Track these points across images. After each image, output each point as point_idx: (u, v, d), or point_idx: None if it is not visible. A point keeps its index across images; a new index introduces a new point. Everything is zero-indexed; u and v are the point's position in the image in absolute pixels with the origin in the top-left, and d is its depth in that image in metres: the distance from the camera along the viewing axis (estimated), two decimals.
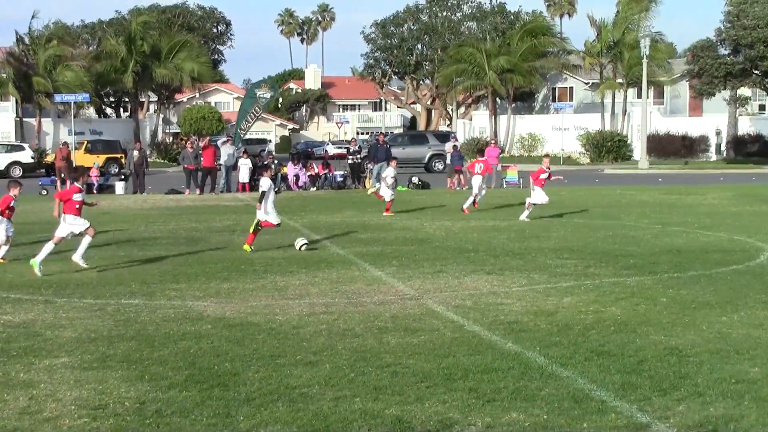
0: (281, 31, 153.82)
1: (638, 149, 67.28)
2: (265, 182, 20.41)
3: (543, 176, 26.59)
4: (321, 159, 57.62)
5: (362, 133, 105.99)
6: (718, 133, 74.57)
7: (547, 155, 29.02)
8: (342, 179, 44.23)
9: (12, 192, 18.45)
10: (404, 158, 50.12)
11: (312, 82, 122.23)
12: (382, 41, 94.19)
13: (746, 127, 75.43)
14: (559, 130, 76.00)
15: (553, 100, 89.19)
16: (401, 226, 24.89)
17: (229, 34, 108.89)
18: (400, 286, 15.24)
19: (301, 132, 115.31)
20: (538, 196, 26.32)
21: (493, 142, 50.39)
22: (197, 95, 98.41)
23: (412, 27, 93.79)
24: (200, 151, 40.27)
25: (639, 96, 72.17)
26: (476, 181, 30.11)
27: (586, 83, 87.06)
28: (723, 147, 74.05)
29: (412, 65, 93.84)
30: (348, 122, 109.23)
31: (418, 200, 34.87)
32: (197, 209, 28.04)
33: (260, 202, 20.13)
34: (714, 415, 8.15)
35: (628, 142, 73.35)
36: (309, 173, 44.41)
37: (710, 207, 30.29)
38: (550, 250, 19.45)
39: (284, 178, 43.69)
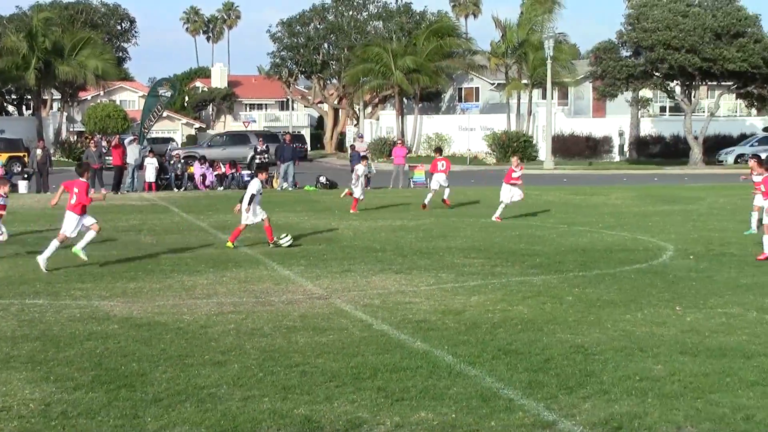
0: (187, 29, 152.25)
1: (543, 150, 68.13)
2: (254, 184, 20.51)
3: (515, 175, 26.74)
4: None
5: (268, 133, 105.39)
6: (621, 134, 75.92)
7: (515, 153, 29.07)
8: (249, 179, 43.88)
9: (1, 190, 18.27)
10: (225, 158, 50.27)
11: (218, 80, 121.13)
12: (288, 40, 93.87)
13: (648, 128, 76.91)
14: (465, 130, 76.57)
15: (460, 101, 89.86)
16: (309, 225, 24.81)
17: (133, 32, 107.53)
18: (309, 286, 15.19)
19: (207, 131, 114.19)
20: (507, 194, 26.44)
21: (399, 141, 50.48)
22: (102, 93, 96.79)
23: (318, 26, 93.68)
24: (103, 150, 39.69)
25: (544, 97, 73.10)
26: (440, 178, 30.55)
27: (492, 84, 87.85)
28: (626, 148, 75.41)
29: (318, 64, 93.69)
30: (255, 121, 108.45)
31: (326, 200, 34.79)
32: (103, 209, 27.56)
33: (249, 204, 20.09)
34: (619, 413, 8.26)
35: (534, 142, 74.22)
36: (216, 173, 44.05)
37: (614, 207, 30.79)
38: (458, 250, 19.57)
39: (191, 177, 43.29)
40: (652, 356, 10.23)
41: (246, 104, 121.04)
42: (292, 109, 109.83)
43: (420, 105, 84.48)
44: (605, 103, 79.80)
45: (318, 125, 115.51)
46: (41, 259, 16.57)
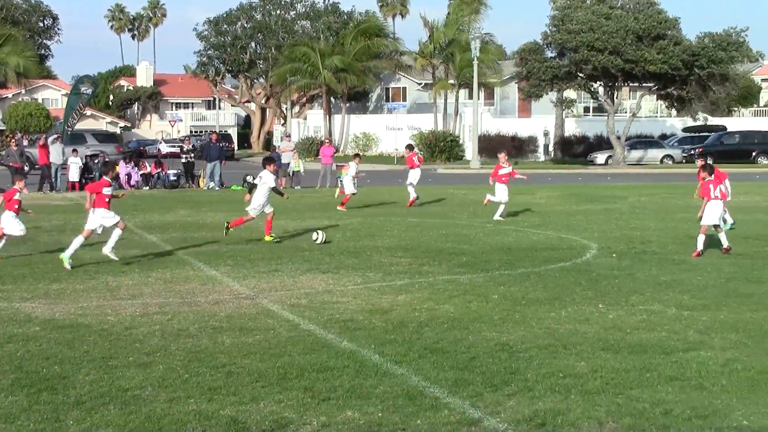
0: (112, 26, 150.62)
1: (470, 149, 68.58)
2: (270, 177, 20.94)
3: (502, 172, 26.49)
4: (154, 157, 56.67)
5: (196, 132, 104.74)
6: (546, 134, 76.74)
7: (501, 151, 29.06)
8: (175, 178, 43.63)
9: (17, 185, 18.56)
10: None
11: (144, 79, 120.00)
12: (215, 39, 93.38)
13: (572, 128, 77.84)
14: (393, 130, 76.81)
15: (387, 100, 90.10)
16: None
17: (56, 29, 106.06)
18: (236, 286, 15.13)
19: (132, 130, 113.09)
20: (500, 193, 26.33)
21: (327, 141, 50.47)
22: (23, 91, 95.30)
23: (245, 25, 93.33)
24: (24, 149, 39.12)
25: (470, 97, 73.59)
26: (415, 174, 31.05)
27: (419, 83, 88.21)
28: (551, 147, 76.24)
29: (245, 64, 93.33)
30: (181, 120, 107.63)
31: None
32: (24, 208, 27.14)
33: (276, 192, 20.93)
34: (542, 409, 8.37)
35: (461, 142, 74.72)
36: (141, 172, 43.64)
37: (539, 206, 31.11)
38: (385, 249, 19.63)
39: (116, 177, 42.79)
40: (576, 353, 10.37)
41: (172, 103, 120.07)
42: (219, 108, 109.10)
43: (347, 104, 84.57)
44: (530, 103, 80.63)
45: (245, 124, 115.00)
46: (65, 256, 16.80)
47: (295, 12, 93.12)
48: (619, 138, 65.80)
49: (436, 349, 10.56)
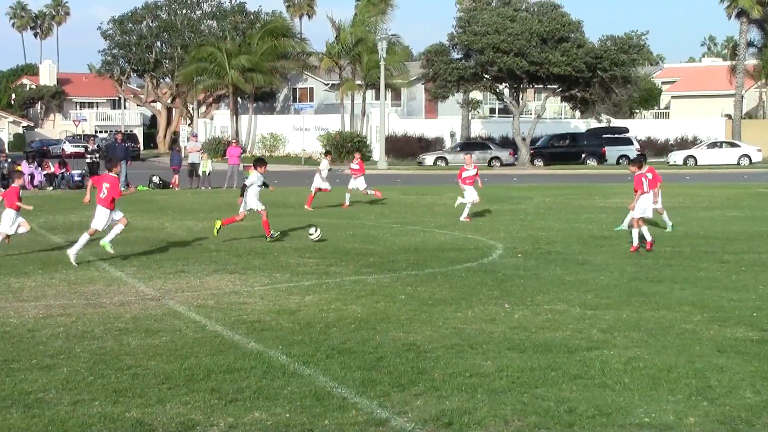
0: (13, 24, 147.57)
1: (377, 150, 68.75)
2: (258, 177, 21.13)
3: (466, 174, 26.75)
4: (58, 157, 55.74)
5: (101, 132, 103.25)
6: (452, 135, 77.30)
7: (468, 154, 29.35)
8: (80, 178, 42.96)
9: (17, 182, 18.89)
10: None
11: (47, 78, 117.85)
12: (120, 38, 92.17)
13: (478, 129, 78.53)
14: (300, 131, 76.69)
15: (294, 101, 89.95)
16: (142, 225, 24.41)
17: None
18: (141, 287, 14.96)
19: (36, 129, 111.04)
20: (469, 194, 26.57)
21: (234, 141, 50.20)
22: None
23: (151, 24, 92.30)
24: None
25: (377, 98, 73.76)
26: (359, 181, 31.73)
27: (326, 84, 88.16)
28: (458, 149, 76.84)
29: (151, 63, 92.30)
30: (86, 120, 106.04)
31: (159, 200, 34.31)
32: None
33: (241, 195, 20.96)
34: (449, 409, 8.43)
35: (368, 142, 74.84)
36: (45, 172, 42.87)
37: (446, 207, 31.27)
38: (293, 250, 19.59)
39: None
40: (482, 353, 10.47)
41: (76, 103, 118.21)
42: (125, 107, 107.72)
43: (254, 105, 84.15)
44: (437, 104, 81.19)
45: (151, 124, 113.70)
46: (71, 253, 17.12)
47: (201, 11, 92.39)
48: (524, 139, 66.58)
49: (343, 350, 10.57)
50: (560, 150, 69.01)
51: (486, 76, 64.77)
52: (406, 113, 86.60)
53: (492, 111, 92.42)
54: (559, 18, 63.05)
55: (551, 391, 8.94)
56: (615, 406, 8.49)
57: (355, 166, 32.88)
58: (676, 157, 70.44)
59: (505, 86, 67.65)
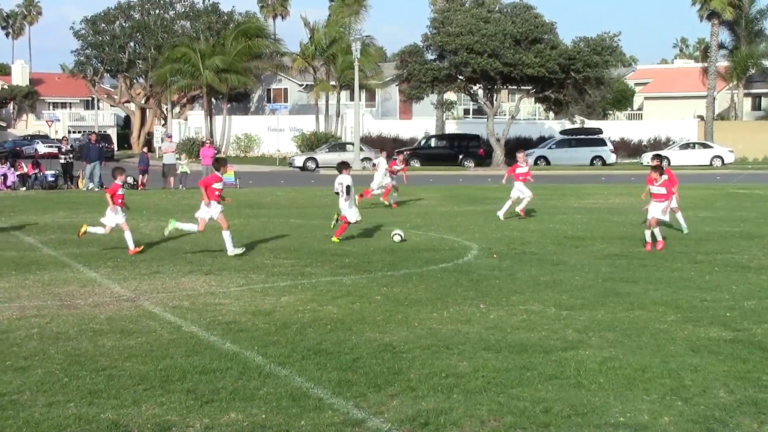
0: None
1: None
2: (347, 178, 21.21)
3: (519, 171, 26.91)
4: (31, 158, 55.42)
5: (74, 132, 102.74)
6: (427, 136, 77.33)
7: (520, 151, 29.52)
8: (53, 179, 42.74)
9: (119, 179, 19.43)
10: None
11: (19, 78, 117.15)
12: (92, 38, 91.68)
13: (453, 130, 78.64)
14: (274, 131, 76.57)
15: (269, 101, 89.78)
16: (116, 226, 24.28)
17: None
18: (116, 288, 14.90)
19: (8, 130, 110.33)
20: (515, 191, 26.83)
21: (208, 142, 50.07)
22: None
23: (123, 24, 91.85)
24: None
25: (352, 98, 73.76)
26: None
27: (301, 85, 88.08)
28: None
29: (124, 63, 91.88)
30: (59, 120, 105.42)
31: (133, 200, 34.12)
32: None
33: (347, 194, 21.07)
34: (426, 409, 8.44)
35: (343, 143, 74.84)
36: (18, 173, 42.61)
37: (421, 207, 31.36)
38: (268, 250, 19.56)
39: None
40: (458, 353, 10.49)
41: (49, 103, 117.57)
42: (98, 108, 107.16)
43: (229, 105, 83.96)
44: (411, 105, 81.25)
45: (125, 125, 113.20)
46: (232, 251, 18.42)
47: (174, 12, 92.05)
48: (498, 140, 66.73)
49: (319, 350, 10.57)
50: (437, 151, 68.52)
51: (460, 77, 64.87)
52: (380, 114, 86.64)
53: (466, 112, 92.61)
54: (532, 19, 63.23)
55: (527, 392, 8.97)
56: (590, 406, 8.53)
57: (398, 167, 32.85)
58: (649, 158, 70.73)
59: (479, 87, 67.77)
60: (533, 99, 72.20)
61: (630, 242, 21.03)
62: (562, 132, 75.20)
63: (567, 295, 14.16)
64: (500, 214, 26.54)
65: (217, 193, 18.92)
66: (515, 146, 71.64)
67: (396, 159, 33.83)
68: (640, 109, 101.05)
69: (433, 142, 70.71)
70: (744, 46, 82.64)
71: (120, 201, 19.45)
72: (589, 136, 72.35)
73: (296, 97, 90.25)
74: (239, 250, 18.63)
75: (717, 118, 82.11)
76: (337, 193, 21.44)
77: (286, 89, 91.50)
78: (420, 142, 71.46)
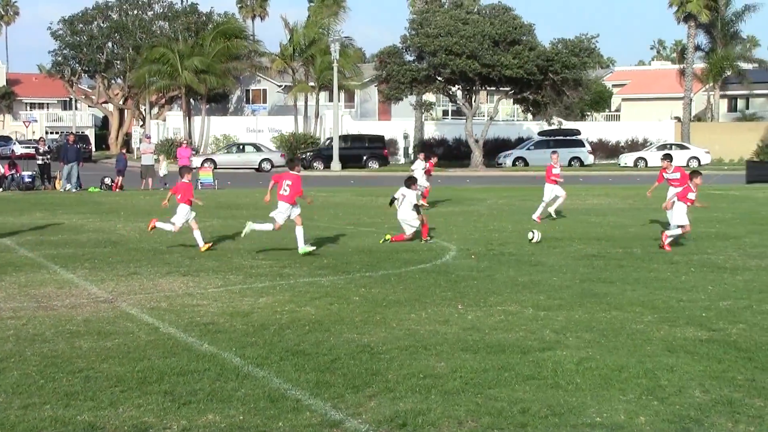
0: None
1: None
2: (412, 194, 21.83)
3: (555, 171, 27.32)
4: (8, 159, 55.14)
5: (52, 133, 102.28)
6: (405, 137, 77.42)
7: (554, 151, 29.91)
8: (30, 180, 42.54)
9: (186, 178, 20.05)
10: None
11: None
12: (70, 38, 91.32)
13: (432, 131, 78.75)
14: (253, 132, 76.47)
15: (247, 102, 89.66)
16: (94, 227, 24.24)
17: None
18: (93, 289, 14.84)
19: None
20: (548, 192, 27.13)
21: (185, 142, 50.00)
22: None
23: (101, 25, 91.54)
24: None
25: (331, 99, 73.73)
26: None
27: (280, 86, 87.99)
28: (410, 150, 76.94)
29: (102, 64, 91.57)
30: (36, 121, 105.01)
31: (111, 201, 34.05)
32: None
33: (418, 212, 21.60)
34: (403, 410, 8.45)
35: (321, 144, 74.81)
36: None
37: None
38: (246, 251, 19.54)
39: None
40: (436, 354, 10.50)
41: (27, 103, 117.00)
42: (76, 108, 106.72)
43: (207, 106, 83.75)
44: (390, 106, 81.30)
45: (103, 125, 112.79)
46: (302, 249, 18.76)
47: (152, 12, 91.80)
48: (477, 141, 66.83)
49: (297, 351, 10.57)
50: (341, 152, 67.15)
51: (439, 78, 64.97)
52: (359, 115, 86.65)
53: (445, 113, 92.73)
54: (510, 21, 63.40)
55: (504, 392, 8.99)
56: (567, 406, 8.56)
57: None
58: (627, 159, 71.13)
59: (458, 88, 67.89)
60: (512, 100, 72.33)
61: (607, 243, 21.11)
62: (540, 133, 75.38)
63: (545, 296, 14.20)
64: (535, 216, 26.61)
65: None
66: (493, 147, 72.11)
67: (432, 160, 33.68)
68: (617, 110, 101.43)
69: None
70: (720, 48, 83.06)
71: (188, 200, 19.88)
72: (567, 138, 72.56)
73: (275, 98, 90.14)
74: (311, 248, 19.05)
75: (693, 120, 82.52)
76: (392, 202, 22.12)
77: (265, 90, 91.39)
78: (325, 143, 70.71)
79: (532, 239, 21.16)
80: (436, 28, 62.18)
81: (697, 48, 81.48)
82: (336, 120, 66.24)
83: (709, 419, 8.22)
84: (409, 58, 66.38)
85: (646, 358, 10.27)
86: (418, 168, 31.78)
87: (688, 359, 10.23)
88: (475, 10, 65.59)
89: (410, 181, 22.13)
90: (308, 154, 66.45)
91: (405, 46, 65.65)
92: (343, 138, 70.25)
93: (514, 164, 69.43)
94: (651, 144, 75.08)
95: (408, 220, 21.46)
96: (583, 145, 71.27)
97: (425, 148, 74.96)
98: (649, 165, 67.81)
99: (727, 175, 57.08)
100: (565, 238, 22.08)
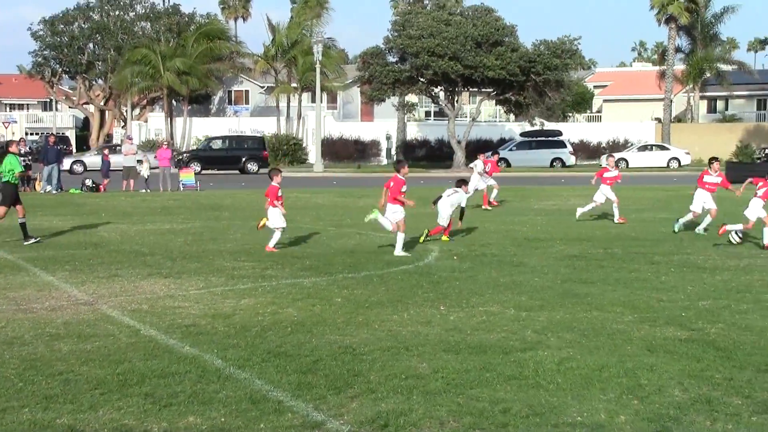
0: None
1: (313, 153, 68.66)
2: (461, 197, 22.15)
3: (608, 174, 26.72)
4: None
5: (32, 134, 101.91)
6: (388, 138, 77.47)
7: (611, 155, 29.75)
8: None
9: (275, 180, 20.02)
10: None
11: None
12: (51, 39, 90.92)
13: (414, 132, 78.81)
14: (235, 133, 76.32)
15: (230, 103, 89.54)
16: (75, 229, 24.14)
17: None
18: (74, 291, 14.79)
19: None
20: (599, 195, 26.90)
21: (165, 144, 49.87)
22: None
23: (83, 25, 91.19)
24: None
25: (313, 100, 73.69)
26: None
27: (262, 87, 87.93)
28: (393, 151, 76.99)
29: (83, 65, 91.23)
30: (16, 122, 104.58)
31: (92, 203, 33.94)
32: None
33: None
34: (385, 410, 8.45)
35: (304, 145, 74.82)
36: None
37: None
38: (228, 253, 19.51)
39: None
40: (418, 355, 10.51)
41: (6, 104, 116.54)
42: (56, 109, 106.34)
43: (189, 107, 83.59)
44: (373, 107, 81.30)
45: (84, 126, 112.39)
46: (399, 253, 18.95)
47: (134, 13, 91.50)
48: (459, 142, 66.90)
49: (279, 353, 10.56)
50: (219, 154, 65.58)
51: (421, 79, 65.01)
52: (342, 116, 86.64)
53: (427, 114, 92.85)
54: (493, 22, 63.48)
55: (486, 392, 9.01)
56: (548, 405, 8.59)
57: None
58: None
59: (441, 89, 67.94)
60: (494, 101, 72.42)
61: (589, 243, 21.17)
62: (522, 134, 75.53)
63: (526, 297, 14.23)
64: (579, 212, 26.79)
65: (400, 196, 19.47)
66: (476, 148, 71.72)
67: (491, 160, 33.76)
68: (599, 111, 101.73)
69: (215, 144, 67.53)
70: (700, 50, 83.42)
71: (275, 202, 19.92)
72: (549, 139, 72.73)
73: (257, 99, 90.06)
74: (403, 253, 19.15)
75: (674, 121, 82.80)
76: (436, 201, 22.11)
77: (247, 91, 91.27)
78: (202, 144, 69.08)
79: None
80: (419, 30, 62.23)
81: (678, 50, 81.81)
82: (318, 121, 66.21)
83: (687, 417, 8.26)
84: (391, 59, 66.40)
85: (626, 357, 10.31)
86: (478, 168, 32.11)
87: (667, 358, 10.28)
88: (458, 11, 65.69)
89: (460, 183, 22.52)
90: (184, 155, 65.37)
91: (388, 47, 65.66)
92: (222, 138, 68.69)
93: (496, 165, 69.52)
94: (632, 145, 75.31)
95: (441, 212, 21.73)
96: (565, 146, 71.45)
97: (407, 149, 75.51)
98: (630, 166, 68.02)
99: None
100: (547, 239, 22.13)
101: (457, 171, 64.21)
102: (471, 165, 32.81)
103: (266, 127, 77.59)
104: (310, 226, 25.21)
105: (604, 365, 9.95)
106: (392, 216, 19.33)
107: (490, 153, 37.93)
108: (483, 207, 31.20)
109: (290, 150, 72.59)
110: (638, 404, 8.62)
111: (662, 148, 72.19)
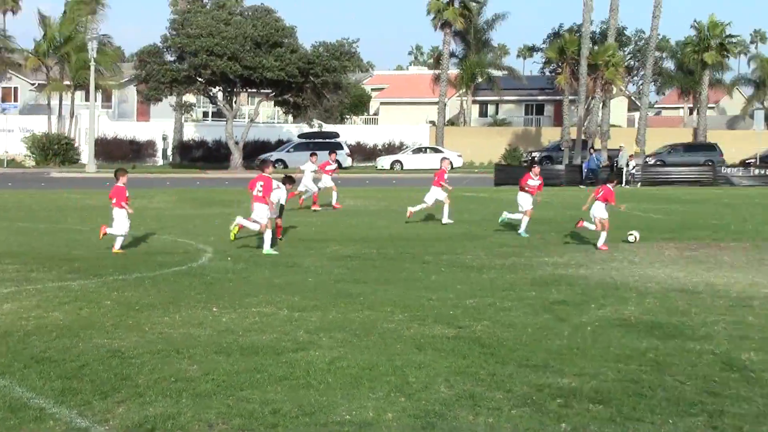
0: None
1: (86, 153, 66.82)
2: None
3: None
4: None
5: None
6: (164, 138, 76.23)
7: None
8: None
9: (121, 181, 19.94)
10: None
11: None
12: None
13: (191, 132, 77.83)
14: (3, 132, 73.39)
15: None
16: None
17: None
18: None
19: None
20: (431, 196, 26.94)
21: None
22: None
23: None
24: None
25: (87, 99, 71.70)
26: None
27: (33, 84, 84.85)
28: (169, 152, 75.83)
29: None
30: None
31: None
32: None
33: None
34: (153, 415, 8.33)
35: (76, 145, 72.71)
36: None
37: (156, 210, 30.83)
38: None
39: None
40: (188, 357, 10.41)
41: None
42: None
43: None
44: (149, 107, 79.77)
45: None
46: (268, 251, 19.31)
47: None
48: (237, 143, 66.53)
49: (43, 359, 10.23)
50: None
51: (200, 79, 64.28)
52: (117, 115, 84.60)
53: (205, 114, 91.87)
54: (273, 23, 63.43)
55: (256, 393, 9.01)
56: (318, 405, 8.67)
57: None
58: (384, 161, 72.55)
59: (219, 90, 67.38)
60: (273, 102, 72.41)
61: (363, 244, 21.47)
62: (300, 136, 75.75)
63: (300, 297, 14.31)
64: (410, 211, 27.00)
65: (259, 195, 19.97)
66: (254, 149, 71.92)
67: (329, 159, 33.21)
68: (376, 113, 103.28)
69: None
70: (473, 56, 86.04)
71: (123, 204, 19.78)
72: (327, 140, 73.27)
73: (27, 96, 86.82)
74: (273, 251, 19.54)
75: (447, 124, 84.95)
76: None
77: (16, 88, 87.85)
78: None
79: (633, 240, 21.74)
80: (198, 29, 61.51)
81: (452, 54, 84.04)
82: (92, 120, 64.44)
83: (452, 413, 8.51)
84: (169, 58, 65.34)
85: (395, 356, 10.52)
86: (308, 170, 32.04)
87: (435, 356, 10.55)
88: (238, 11, 65.26)
89: (287, 180, 22.38)
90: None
91: (165, 45, 64.58)
92: None
93: (273, 166, 69.45)
94: (407, 147, 76.81)
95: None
96: (342, 148, 72.15)
97: (184, 149, 74.54)
98: (405, 168, 69.37)
99: (477, 178, 59.09)
100: (322, 240, 22.31)
101: (234, 172, 63.86)
102: (302, 167, 32.71)
103: (36, 125, 74.93)
104: (81, 227, 24.53)
105: (374, 364, 10.12)
106: (258, 215, 19.91)
107: (328, 152, 37.55)
108: (312, 209, 31.30)
109: (61, 150, 70.38)
110: (405, 401, 8.82)
111: (436, 150, 73.90)
